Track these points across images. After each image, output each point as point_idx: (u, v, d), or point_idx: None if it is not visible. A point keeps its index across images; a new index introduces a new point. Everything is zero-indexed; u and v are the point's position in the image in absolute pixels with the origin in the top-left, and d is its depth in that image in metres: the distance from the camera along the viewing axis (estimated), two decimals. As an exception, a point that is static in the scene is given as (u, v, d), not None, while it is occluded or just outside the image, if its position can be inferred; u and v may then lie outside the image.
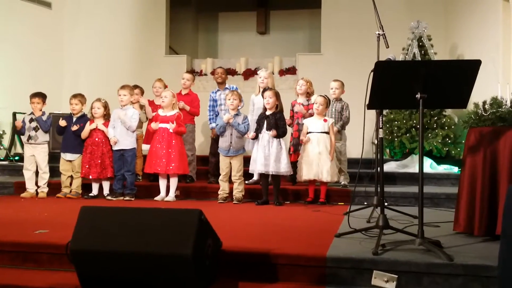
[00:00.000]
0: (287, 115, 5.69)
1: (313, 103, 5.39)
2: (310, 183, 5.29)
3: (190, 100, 6.27)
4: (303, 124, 5.47)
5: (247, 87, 7.97)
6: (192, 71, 8.40)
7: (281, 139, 5.26)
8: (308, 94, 5.87)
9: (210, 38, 10.68)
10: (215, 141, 6.00)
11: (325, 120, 5.35)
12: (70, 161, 5.85)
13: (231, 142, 5.41)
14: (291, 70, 8.73)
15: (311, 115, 5.51)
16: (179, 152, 5.52)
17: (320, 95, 5.45)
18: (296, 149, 5.62)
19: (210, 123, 6.20)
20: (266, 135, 5.23)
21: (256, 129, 5.36)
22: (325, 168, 5.14)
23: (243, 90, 7.08)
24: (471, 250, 2.98)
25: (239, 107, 5.52)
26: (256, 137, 5.29)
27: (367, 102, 3.06)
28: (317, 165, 5.14)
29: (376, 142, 4.07)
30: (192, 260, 2.49)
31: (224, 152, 5.44)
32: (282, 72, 8.77)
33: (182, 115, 5.72)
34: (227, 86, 6.23)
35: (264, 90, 5.44)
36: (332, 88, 5.85)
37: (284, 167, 5.19)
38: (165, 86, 6.30)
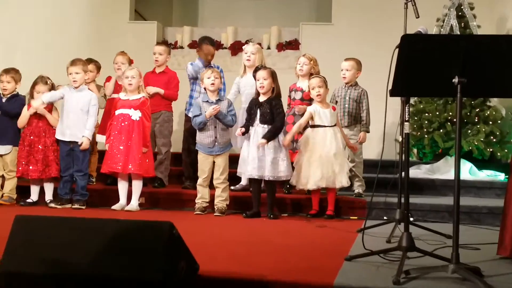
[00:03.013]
0: (285, 102, 5.68)
1: (310, 90, 5.37)
2: (314, 191, 5.25)
3: (167, 81, 6.21)
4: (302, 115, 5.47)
5: (236, 64, 7.87)
6: (165, 43, 8.29)
7: (280, 134, 5.25)
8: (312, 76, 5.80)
9: (188, 1, 10.61)
10: (189, 133, 5.91)
11: (333, 108, 5.37)
12: (1, 155, 5.80)
13: (216, 137, 5.38)
14: (293, 44, 8.65)
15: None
16: (141, 148, 5.50)
17: (315, 76, 5.41)
18: (293, 147, 5.58)
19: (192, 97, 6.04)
20: (260, 128, 5.22)
21: (247, 121, 5.32)
22: (343, 171, 5.14)
23: (230, 69, 7.18)
24: (520, 281, 2.98)
25: (220, 90, 5.53)
26: (246, 132, 5.26)
27: (389, 88, 3.06)
28: (330, 169, 5.11)
29: (400, 139, 4.10)
30: (159, 288, 2.47)
31: (207, 150, 5.41)
32: (281, 47, 8.68)
33: (149, 101, 5.72)
34: (211, 64, 6.09)
35: (256, 69, 5.39)
36: (343, 70, 5.85)
37: (284, 171, 5.20)
38: (130, 62, 6.26)
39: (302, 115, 5.41)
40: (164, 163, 6.18)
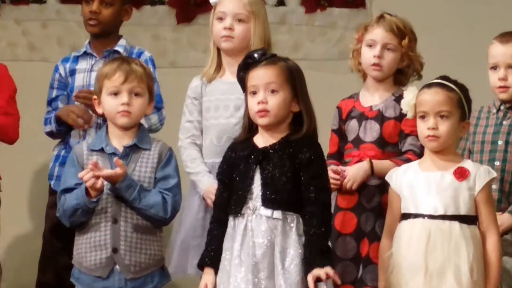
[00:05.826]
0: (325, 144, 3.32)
1: (419, 119, 3.32)
2: None
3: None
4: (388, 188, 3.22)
5: (193, 47, 4.91)
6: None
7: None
8: (403, 77, 3.41)
9: None
10: (55, 239, 3.80)
11: (462, 174, 3.01)
12: None
13: (116, 250, 3.22)
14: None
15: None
16: None
17: (434, 82, 3.20)
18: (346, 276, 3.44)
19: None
20: (261, 219, 3.00)
21: (217, 203, 3.09)
22: None
23: (173, 60, 4.68)
24: None
25: (149, 124, 3.51)
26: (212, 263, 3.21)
27: None
28: None
29: None
30: None
31: (96, 284, 3.20)
32: (316, 2, 5.62)
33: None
34: (119, 46, 3.78)
35: (248, 61, 3.10)
36: (495, 67, 3.50)
37: None
38: None
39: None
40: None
